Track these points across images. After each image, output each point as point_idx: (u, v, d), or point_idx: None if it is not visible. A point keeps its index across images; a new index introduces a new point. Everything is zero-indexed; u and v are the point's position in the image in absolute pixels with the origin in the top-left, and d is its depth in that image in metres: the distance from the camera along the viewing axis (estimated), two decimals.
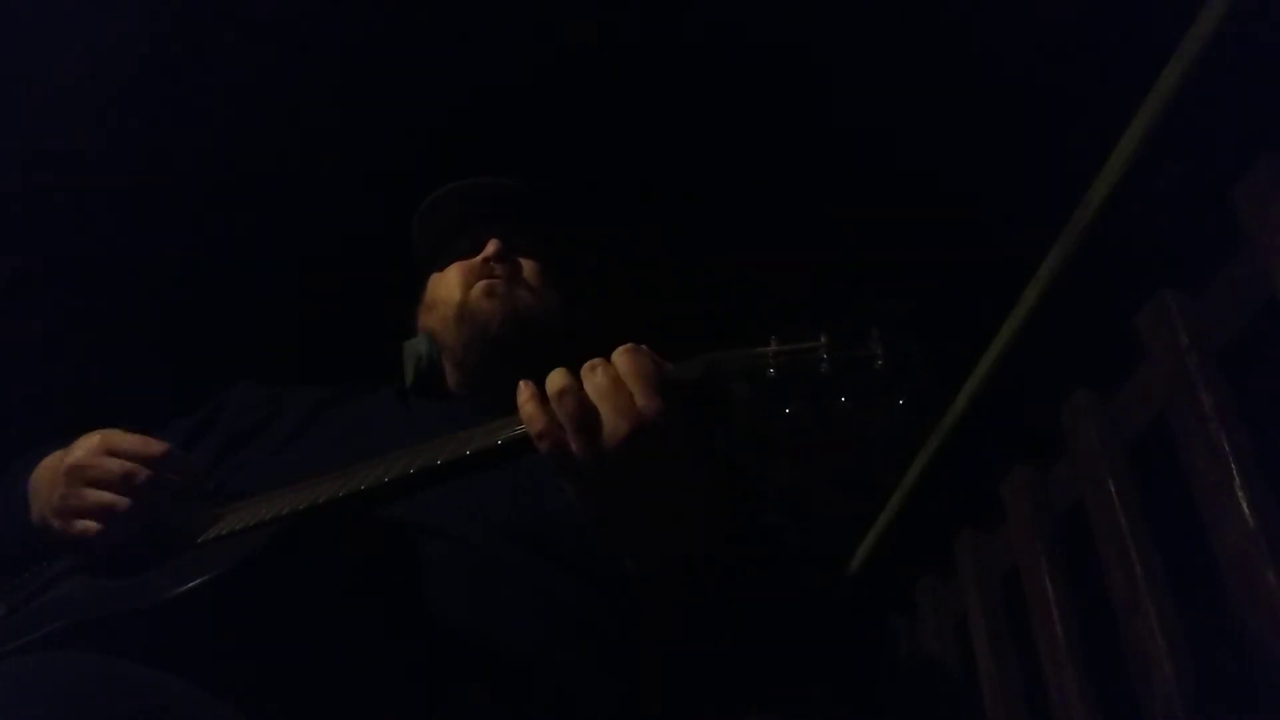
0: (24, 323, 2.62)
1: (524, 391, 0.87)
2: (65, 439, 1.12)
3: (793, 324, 0.85)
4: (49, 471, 1.11)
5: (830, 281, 2.45)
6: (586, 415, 0.84)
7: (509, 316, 1.32)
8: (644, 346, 0.89)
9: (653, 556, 0.92)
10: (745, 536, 1.07)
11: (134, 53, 2.27)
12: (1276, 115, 1.47)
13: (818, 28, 2.20)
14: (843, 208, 2.38)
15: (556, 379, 0.86)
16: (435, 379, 1.37)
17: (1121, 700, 1.49)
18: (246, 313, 2.64)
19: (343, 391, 1.41)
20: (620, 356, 0.87)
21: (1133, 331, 1.52)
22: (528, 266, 1.39)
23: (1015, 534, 1.81)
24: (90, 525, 1.04)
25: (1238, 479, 1.28)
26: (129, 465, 1.05)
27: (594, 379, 0.86)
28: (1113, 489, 1.54)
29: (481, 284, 1.35)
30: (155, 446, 1.07)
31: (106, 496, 1.04)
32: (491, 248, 1.36)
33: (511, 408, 0.88)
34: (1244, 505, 1.27)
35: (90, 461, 1.06)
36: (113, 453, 1.06)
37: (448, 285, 1.38)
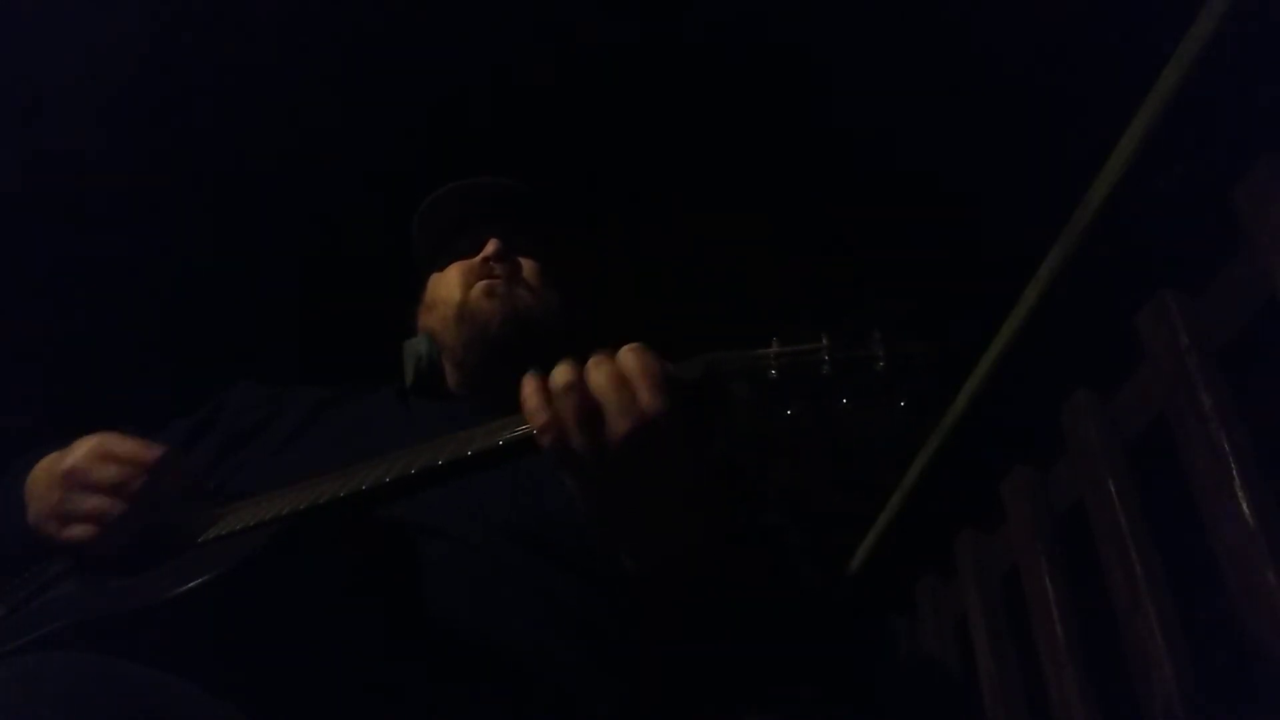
0: (24, 323, 2.62)
1: (528, 384, 0.87)
2: (65, 439, 1.11)
3: (794, 325, 0.85)
4: (46, 474, 1.09)
5: (831, 282, 2.45)
6: (589, 410, 0.84)
7: (509, 316, 1.32)
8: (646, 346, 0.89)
9: (652, 555, 0.92)
10: (745, 536, 1.07)
11: (134, 53, 2.27)
12: (1276, 115, 1.47)
13: (817, 28, 2.20)
14: (843, 208, 2.39)
15: (561, 373, 0.86)
16: (435, 379, 1.37)
17: (1121, 700, 1.48)
18: (246, 313, 2.65)
19: (343, 391, 1.41)
20: (625, 354, 0.87)
21: (1133, 331, 1.52)
22: (528, 266, 1.39)
23: (1015, 534, 1.81)
24: (84, 531, 1.03)
25: (1238, 479, 1.28)
26: (125, 471, 1.04)
27: (598, 375, 0.85)
28: (1113, 489, 1.54)
29: (481, 284, 1.35)
30: (152, 452, 1.05)
31: (101, 503, 1.03)
32: (491, 248, 1.36)
33: (512, 407, 0.88)
34: (1244, 505, 1.26)
35: (86, 466, 1.04)
36: (109, 458, 1.05)
37: (448, 285, 1.38)
